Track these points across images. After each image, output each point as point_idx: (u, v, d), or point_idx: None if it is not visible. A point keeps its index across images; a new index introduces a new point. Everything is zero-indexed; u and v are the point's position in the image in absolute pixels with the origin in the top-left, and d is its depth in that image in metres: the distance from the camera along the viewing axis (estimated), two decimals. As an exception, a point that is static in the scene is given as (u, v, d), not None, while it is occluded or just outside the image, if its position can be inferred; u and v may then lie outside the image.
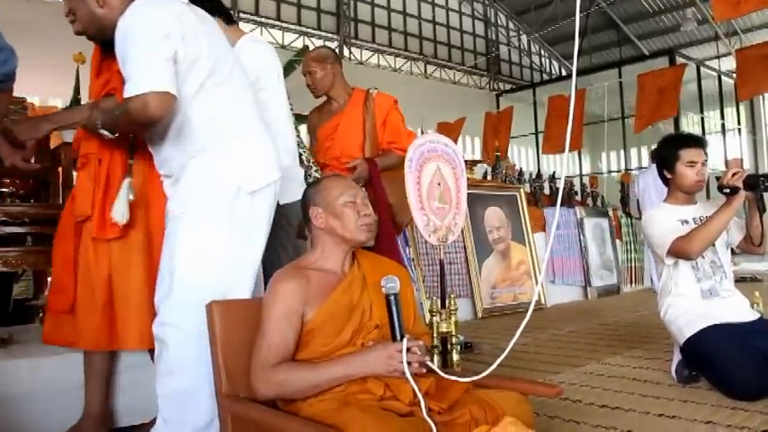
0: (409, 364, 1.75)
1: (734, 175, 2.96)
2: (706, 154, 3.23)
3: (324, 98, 3.62)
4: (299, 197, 2.80)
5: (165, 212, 2.28)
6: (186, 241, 2.14)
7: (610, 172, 20.39)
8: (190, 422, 2.10)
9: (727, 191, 2.97)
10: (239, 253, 2.21)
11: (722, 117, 18.79)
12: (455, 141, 13.77)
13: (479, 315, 6.01)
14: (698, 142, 3.25)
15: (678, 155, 3.19)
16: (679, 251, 3.07)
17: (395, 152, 3.40)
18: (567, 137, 1.81)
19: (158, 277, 2.20)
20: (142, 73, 1.98)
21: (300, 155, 3.19)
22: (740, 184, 2.93)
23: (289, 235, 2.88)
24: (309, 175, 3.27)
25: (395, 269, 2.06)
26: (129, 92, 1.98)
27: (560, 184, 1.94)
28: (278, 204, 2.39)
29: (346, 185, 2.05)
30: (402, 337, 1.77)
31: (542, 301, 6.65)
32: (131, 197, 2.31)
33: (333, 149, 3.46)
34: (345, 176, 2.29)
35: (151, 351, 2.50)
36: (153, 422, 2.24)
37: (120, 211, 2.28)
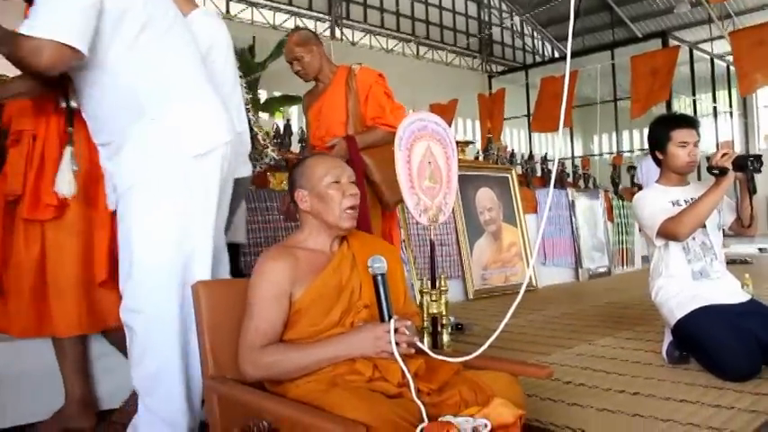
0: (397, 344, 1.72)
1: (723, 155, 2.93)
2: (698, 134, 3.20)
3: (313, 82, 3.54)
4: (244, 174, 2.73)
5: (105, 188, 2.17)
6: (139, 220, 2.03)
7: (601, 154, 20.39)
8: (166, 406, 2.04)
9: (716, 172, 2.95)
10: (196, 224, 2.10)
11: (714, 100, 18.78)
12: (450, 123, 13.75)
13: (470, 296, 6.00)
14: (690, 122, 3.21)
15: (670, 135, 3.16)
16: (668, 232, 3.05)
17: (380, 128, 3.30)
18: (560, 116, 1.77)
19: (120, 260, 2.10)
20: (49, 16, 1.81)
21: (256, 134, 3.07)
22: (729, 165, 2.91)
23: (222, 216, 2.75)
24: (265, 155, 3.16)
25: (385, 248, 2.03)
26: (27, 28, 1.81)
27: (554, 166, 1.90)
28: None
29: (331, 165, 1.99)
30: (390, 318, 1.75)
31: (534, 283, 6.65)
32: (75, 168, 2.18)
33: (319, 130, 3.39)
34: (330, 155, 2.22)
35: (108, 335, 2.45)
36: (129, 402, 2.21)
37: (65, 183, 2.15)
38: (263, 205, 4.56)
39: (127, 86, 2.01)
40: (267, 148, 3.15)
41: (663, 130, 3.21)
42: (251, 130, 2.95)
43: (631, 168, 9.59)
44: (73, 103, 2.24)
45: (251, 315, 1.84)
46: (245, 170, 2.79)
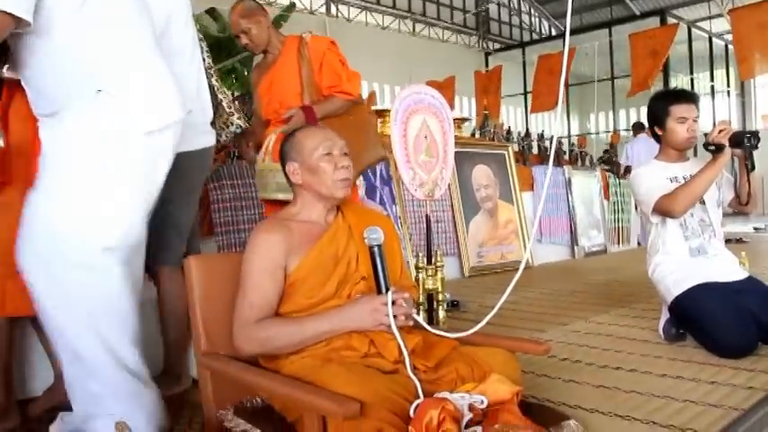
0: (395, 317, 1.69)
1: (720, 132, 2.90)
2: (698, 109, 3.16)
3: (262, 55, 3.35)
4: (202, 146, 2.63)
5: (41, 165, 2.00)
6: (68, 195, 1.88)
7: (598, 133, 20.33)
8: (92, 387, 1.94)
9: (713, 148, 2.92)
10: (140, 205, 1.99)
11: (712, 79, 18.71)
12: (451, 101, 13.64)
13: (466, 274, 5.98)
14: (689, 98, 3.17)
15: (668, 110, 3.12)
16: (663, 209, 3.03)
17: (338, 96, 3.11)
18: (559, 93, 1.74)
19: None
20: None
21: (221, 101, 2.93)
22: (726, 142, 2.88)
23: (187, 189, 2.65)
24: (231, 123, 3.00)
25: (380, 220, 2.00)
26: None
27: (552, 143, 1.87)
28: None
29: (322, 136, 1.95)
30: (387, 290, 1.72)
31: (530, 261, 6.63)
32: (1, 143, 2.06)
33: (272, 103, 3.20)
34: (321, 127, 2.14)
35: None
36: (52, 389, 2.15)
37: None
38: (245, 182, 4.21)
39: (72, 54, 1.87)
40: (233, 115, 2.98)
41: (661, 105, 3.17)
42: (214, 96, 2.84)
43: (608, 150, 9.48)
44: (3, 73, 2.10)
45: (244, 290, 1.81)
46: (207, 140, 2.69)
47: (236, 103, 3.19)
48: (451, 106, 13.02)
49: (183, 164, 2.46)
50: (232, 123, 2.98)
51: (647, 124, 3.37)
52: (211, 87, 2.79)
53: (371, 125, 3.19)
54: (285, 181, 2.68)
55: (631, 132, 9.41)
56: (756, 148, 2.90)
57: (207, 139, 2.68)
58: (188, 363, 2.69)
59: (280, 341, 1.75)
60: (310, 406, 1.46)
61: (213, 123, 2.77)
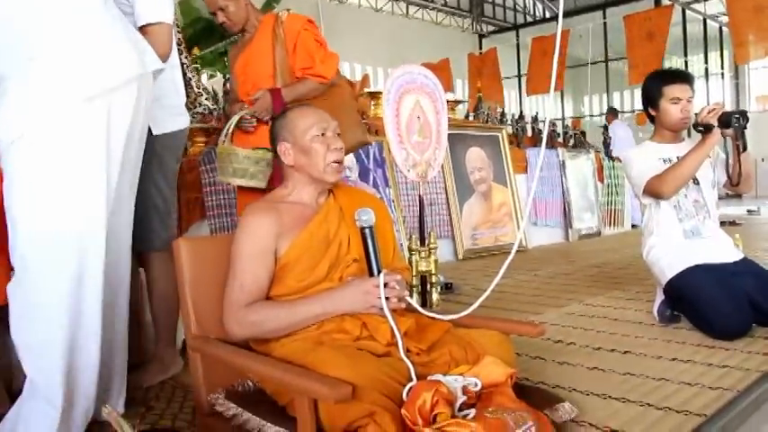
0: (387, 299, 1.67)
1: (709, 112, 2.88)
2: (693, 90, 3.12)
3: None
4: (177, 128, 2.56)
5: None
6: (21, 181, 1.73)
7: (592, 115, 20.27)
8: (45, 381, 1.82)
9: (702, 129, 2.90)
10: (94, 179, 1.81)
11: (706, 61, 18.65)
12: (448, 83, 13.50)
13: (460, 256, 5.96)
14: (683, 77, 3.13)
15: (662, 91, 3.09)
16: (653, 190, 3.01)
17: (310, 79, 2.91)
18: (552, 75, 1.70)
19: (8, 229, 1.81)
20: None
21: (190, 80, 2.81)
22: (714, 122, 2.86)
23: (162, 171, 2.54)
24: (199, 104, 2.89)
25: (372, 201, 1.97)
26: None
27: (545, 125, 1.84)
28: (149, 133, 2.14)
29: (316, 117, 1.91)
30: (379, 272, 1.69)
31: (524, 243, 6.62)
32: None
33: (245, 84, 3.01)
34: (314, 106, 2.08)
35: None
36: None
37: None
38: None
39: (10, 22, 1.72)
40: (201, 96, 2.86)
41: (655, 85, 3.14)
42: (183, 75, 2.74)
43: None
44: None
45: (235, 273, 1.78)
46: (181, 122, 2.61)
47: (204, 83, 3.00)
48: (448, 88, 12.97)
49: (157, 146, 2.45)
50: (200, 104, 2.89)
51: (641, 106, 3.34)
52: (181, 65, 2.71)
53: (351, 108, 3.05)
54: (243, 166, 2.63)
55: (625, 114, 9.37)
56: (745, 127, 2.88)
57: (181, 120, 2.62)
58: (177, 349, 2.67)
59: (270, 324, 1.73)
60: (301, 389, 1.43)
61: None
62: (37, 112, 1.72)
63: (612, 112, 10.49)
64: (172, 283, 2.51)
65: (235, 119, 2.77)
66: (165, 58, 2.15)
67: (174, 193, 2.67)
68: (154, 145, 2.35)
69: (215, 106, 2.83)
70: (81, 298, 1.83)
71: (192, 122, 2.92)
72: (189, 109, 2.79)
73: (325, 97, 2.92)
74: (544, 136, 1.88)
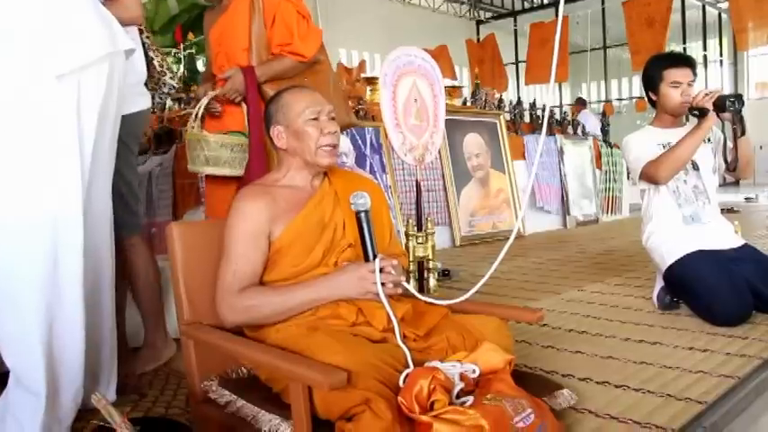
0: (383, 284, 1.63)
1: (705, 96, 2.84)
2: (694, 74, 3.08)
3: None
4: (137, 109, 2.40)
5: None
6: None
7: (590, 102, 20.19)
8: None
9: (696, 113, 2.87)
10: (66, 160, 1.73)
11: (705, 48, 18.57)
12: (450, 70, 13.38)
13: (457, 243, 5.94)
14: (684, 61, 3.09)
15: (662, 75, 3.04)
16: (649, 176, 2.99)
17: (287, 57, 2.65)
18: (552, 65, 1.66)
19: None
20: None
21: (152, 59, 2.59)
22: (709, 106, 2.82)
23: (123, 156, 2.33)
24: (163, 83, 2.65)
25: (368, 185, 1.93)
26: None
27: (545, 113, 1.80)
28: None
29: (310, 100, 1.86)
30: (375, 257, 1.65)
31: (521, 230, 6.59)
32: None
33: (219, 57, 2.76)
34: (309, 88, 1.98)
35: None
36: None
37: None
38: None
39: None
40: (164, 75, 2.63)
41: (655, 69, 3.09)
42: (145, 54, 2.55)
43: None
44: None
45: (228, 258, 1.75)
46: (141, 102, 2.45)
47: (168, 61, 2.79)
48: (448, 75, 12.87)
49: (133, 123, 2.35)
50: (164, 84, 2.67)
51: (641, 92, 3.30)
52: (143, 45, 2.53)
53: (335, 89, 2.83)
54: (216, 153, 2.48)
55: (622, 102, 9.36)
56: (739, 111, 2.84)
57: (141, 101, 2.46)
58: (167, 334, 2.62)
59: (264, 310, 1.69)
60: (295, 376, 1.40)
61: (146, 84, 2.56)
62: (4, 90, 1.65)
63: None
64: (151, 268, 2.50)
65: (204, 101, 2.58)
66: (136, 21, 2.12)
67: (136, 178, 2.57)
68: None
69: (180, 85, 2.65)
70: (58, 284, 1.75)
71: (157, 105, 2.75)
72: (154, 90, 2.65)
73: (306, 76, 2.71)
74: (544, 123, 1.83)
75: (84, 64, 1.73)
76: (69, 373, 1.81)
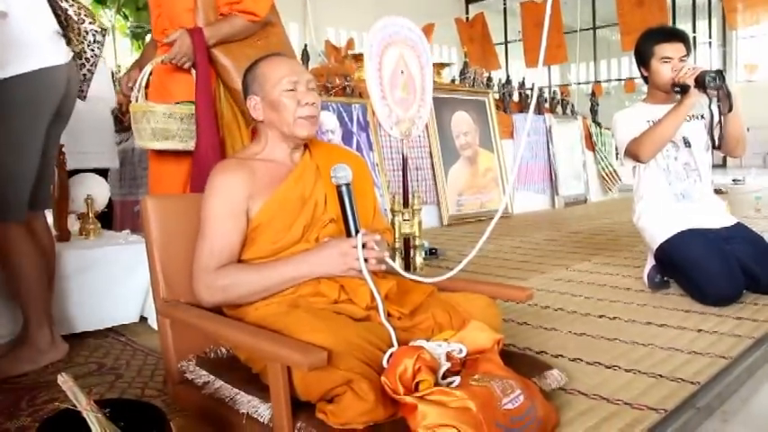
0: (366, 261, 1.56)
1: (687, 72, 2.77)
2: (687, 48, 3.00)
3: None
4: (46, 65, 2.10)
5: None
6: None
7: (579, 83, 20.13)
8: None
9: (678, 89, 2.80)
10: None
11: (694, 30, 18.52)
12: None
13: (445, 222, 5.88)
14: (675, 36, 3.00)
15: (653, 50, 2.96)
16: (632, 154, 2.94)
17: (238, 17, 2.42)
18: (542, 44, 1.60)
19: None
20: None
21: (67, 10, 2.23)
22: (691, 82, 2.75)
23: (31, 117, 2.10)
24: (86, 31, 2.31)
25: (351, 158, 1.85)
26: None
27: (533, 92, 1.73)
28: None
29: (287, 69, 1.77)
30: (357, 232, 1.58)
31: (509, 209, 6.54)
32: None
33: (161, 19, 2.50)
34: (285, 56, 1.88)
35: None
36: None
37: None
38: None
39: None
40: (83, 22, 2.29)
41: (647, 44, 3.01)
42: (56, 6, 2.25)
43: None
44: None
45: (204, 235, 1.68)
46: (51, 59, 2.13)
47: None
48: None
49: (19, 89, 2.06)
50: (87, 32, 2.33)
51: (629, 73, 3.23)
52: None
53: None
54: (163, 125, 2.25)
55: (611, 83, 9.30)
56: (721, 87, 2.76)
57: (51, 57, 2.13)
58: (55, 333, 2.28)
59: (242, 289, 1.63)
60: (273, 356, 1.34)
61: (67, 39, 2.28)
62: None
63: None
64: (35, 257, 2.20)
65: (148, 68, 2.35)
66: None
67: (23, 153, 2.14)
68: (13, 88, 2.00)
69: (105, 28, 2.38)
70: None
71: (92, 57, 2.48)
72: (80, 43, 2.34)
73: (258, 38, 2.49)
74: (532, 102, 1.75)
75: None
76: None
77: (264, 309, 1.63)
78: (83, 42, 2.32)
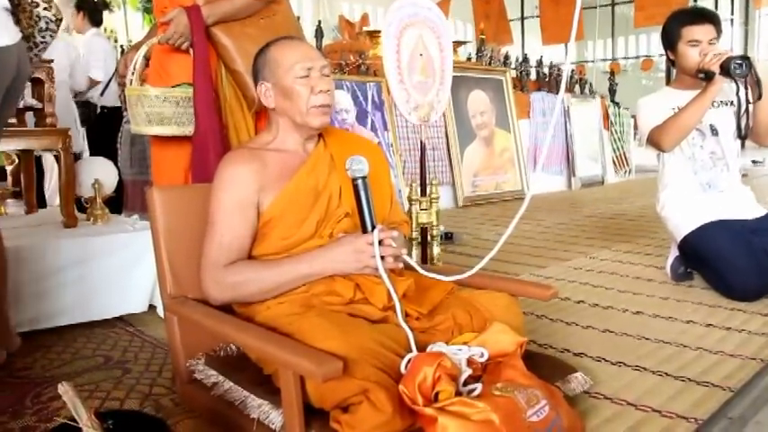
0: (382, 258, 1.48)
1: (713, 58, 2.64)
2: (717, 31, 2.85)
3: None
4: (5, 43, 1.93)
5: None
6: None
7: (594, 61, 19.85)
8: None
9: (702, 76, 2.67)
10: None
11: (716, 7, 18.17)
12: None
13: (460, 203, 5.79)
14: (705, 17, 2.85)
15: (680, 33, 2.82)
16: (654, 142, 2.82)
17: None
18: (574, 20, 1.48)
19: None
20: None
21: None
22: (716, 69, 2.61)
23: None
24: (38, 17, 2.11)
25: (367, 148, 1.76)
26: None
27: (565, 73, 1.62)
28: None
29: (301, 54, 1.66)
30: (373, 228, 1.50)
31: (525, 191, 6.44)
32: None
33: None
34: (299, 40, 1.78)
35: None
36: None
37: None
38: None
39: None
40: (38, 6, 2.12)
41: (673, 26, 2.87)
42: None
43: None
44: None
45: (212, 229, 1.59)
46: (7, 37, 1.96)
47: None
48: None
49: None
50: (39, 17, 2.16)
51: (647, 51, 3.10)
52: None
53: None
54: (158, 109, 2.13)
55: (629, 61, 9.12)
56: (746, 74, 2.62)
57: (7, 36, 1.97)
58: (11, 329, 2.18)
59: (252, 287, 1.55)
60: (286, 363, 1.26)
61: (16, 19, 2.09)
62: None
63: None
64: None
65: (143, 50, 2.25)
66: None
67: None
68: None
69: (60, 16, 2.20)
70: None
71: (41, 42, 2.31)
72: (31, 27, 2.17)
73: (262, 16, 2.31)
74: (563, 83, 1.62)
75: None
76: None
77: (276, 308, 1.55)
78: (33, 27, 2.16)
